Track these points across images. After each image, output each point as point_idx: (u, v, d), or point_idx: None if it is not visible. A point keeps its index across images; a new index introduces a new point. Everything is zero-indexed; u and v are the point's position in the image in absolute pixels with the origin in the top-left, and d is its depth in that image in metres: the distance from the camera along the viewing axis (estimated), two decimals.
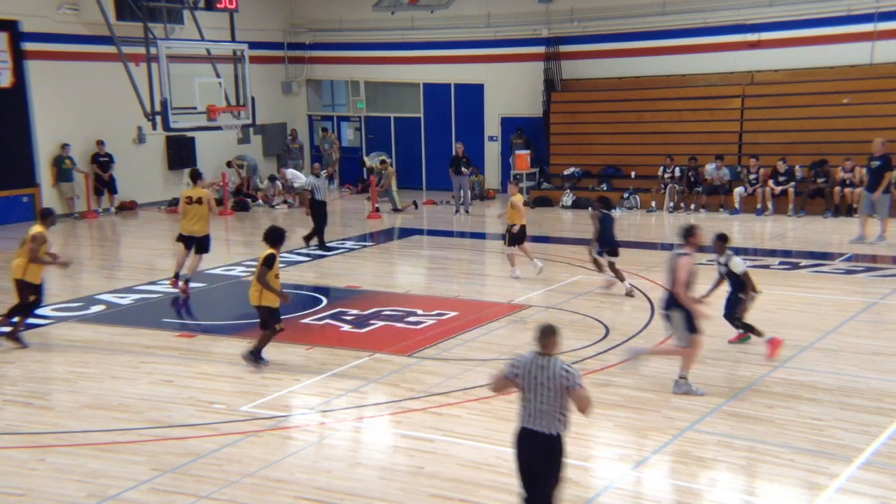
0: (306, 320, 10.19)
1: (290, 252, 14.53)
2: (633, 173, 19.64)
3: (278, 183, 21.41)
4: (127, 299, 11.41)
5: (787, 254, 13.51)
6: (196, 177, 11.87)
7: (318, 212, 14.60)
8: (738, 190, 17.95)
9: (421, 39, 22.57)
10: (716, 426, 6.72)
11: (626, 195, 19.02)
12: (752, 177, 17.90)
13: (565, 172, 20.46)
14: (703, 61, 19.52)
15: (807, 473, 5.85)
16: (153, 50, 15.57)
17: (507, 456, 6.10)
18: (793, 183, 17.39)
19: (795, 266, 12.69)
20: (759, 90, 18.91)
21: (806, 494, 5.60)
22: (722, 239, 8.74)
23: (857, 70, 17.95)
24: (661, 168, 18.78)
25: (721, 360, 8.37)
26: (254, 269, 8.90)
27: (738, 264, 8.68)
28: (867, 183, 14.34)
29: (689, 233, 7.57)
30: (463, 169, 19.45)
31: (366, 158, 23.35)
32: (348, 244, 15.37)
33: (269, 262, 8.09)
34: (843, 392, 7.35)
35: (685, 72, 19.76)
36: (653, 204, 18.79)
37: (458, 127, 22.83)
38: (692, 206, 18.41)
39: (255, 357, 8.35)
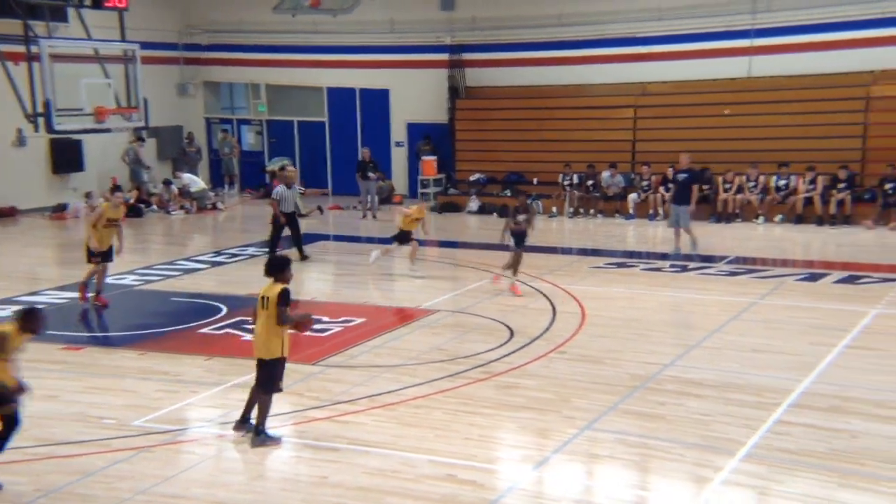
0: (205, 330, 10.02)
1: (189, 259, 14.19)
2: (535, 180, 20.23)
3: (174, 187, 20.82)
4: (6, 311, 10.85)
5: (676, 257, 14.27)
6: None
7: (289, 223, 14.07)
8: (632, 196, 18.79)
9: (324, 43, 22.47)
10: (612, 424, 7.08)
11: (528, 201, 19.57)
12: (644, 183, 18.79)
13: (471, 178, 20.84)
14: (598, 72, 20.31)
15: (694, 467, 6.26)
16: (34, 49, 14.88)
17: (413, 462, 6.26)
18: (695, 187, 18.35)
19: (684, 269, 13.44)
20: (650, 100, 19.85)
21: (693, 487, 5.99)
22: None
23: (736, 83, 19.12)
24: (561, 175, 19.45)
25: (618, 359, 8.80)
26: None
27: None
28: (673, 196, 14.78)
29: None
30: (370, 174, 19.51)
31: (268, 164, 23.03)
32: (250, 250, 15.14)
33: (285, 299, 6.62)
34: (727, 388, 7.87)
35: (582, 82, 20.52)
36: (553, 209, 19.41)
37: (364, 132, 22.85)
38: (591, 212, 19.15)
39: (265, 437, 6.74)
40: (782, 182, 17.79)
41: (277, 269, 6.78)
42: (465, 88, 21.54)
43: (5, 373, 6.13)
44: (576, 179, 19.34)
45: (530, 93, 20.88)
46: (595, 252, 15.08)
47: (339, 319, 10.35)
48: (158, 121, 20.69)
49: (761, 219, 17.69)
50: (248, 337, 9.68)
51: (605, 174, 19.12)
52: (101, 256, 11.28)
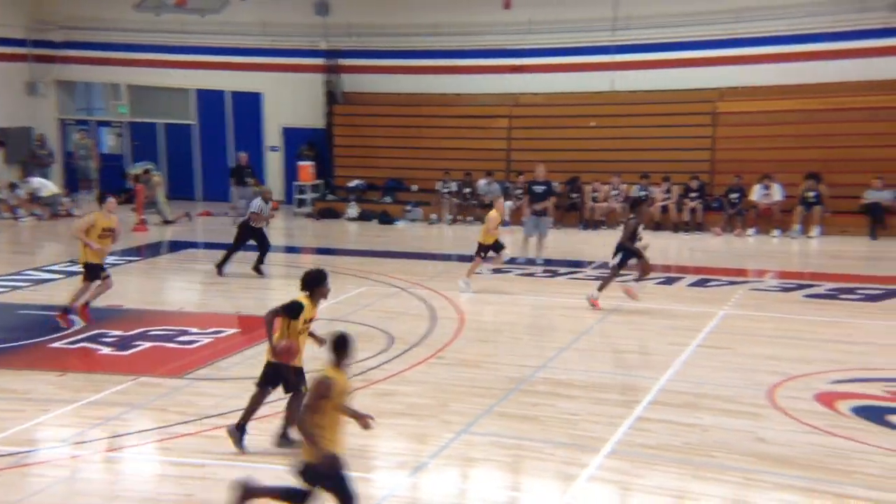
0: (57, 344, 9.52)
1: (39, 269, 13.39)
2: (414, 186, 20.47)
3: (20, 192, 19.52)
4: None
5: (548, 262, 14.88)
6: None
7: (258, 235, 13.54)
8: (507, 204, 19.39)
9: (191, 44, 21.79)
10: (487, 427, 7.33)
11: (408, 208, 19.78)
12: (518, 192, 19.44)
13: (350, 185, 20.79)
14: (474, 82, 20.84)
15: (563, 465, 6.61)
16: None
17: (284, 477, 6.23)
18: (552, 198, 19.17)
19: (555, 274, 14.05)
20: (523, 111, 20.57)
21: (561, 485, 6.32)
22: None
23: (600, 96, 20.16)
24: (440, 182, 19.78)
25: (495, 363, 9.10)
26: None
27: None
28: (531, 206, 15.24)
29: None
30: (247, 179, 19.07)
31: (130, 169, 21.98)
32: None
33: (289, 310, 6.33)
34: (594, 388, 8.33)
35: (459, 91, 20.98)
36: (433, 216, 19.72)
37: (236, 136, 22.30)
38: (469, 219, 19.59)
39: (289, 442, 6.51)
40: (643, 193, 18.92)
41: (311, 283, 6.39)
42: (342, 94, 21.48)
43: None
44: (454, 187, 19.73)
45: (408, 100, 21.11)
46: (473, 258, 15.42)
47: (209, 330, 10.09)
48: (5, 122, 19.35)
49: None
50: (106, 351, 9.27)
51: (482, 182, 19.63)
52: (99, 269, 10.41)
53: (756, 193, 18.05)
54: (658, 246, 17.24)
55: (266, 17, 21.40)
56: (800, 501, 5.82)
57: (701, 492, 6.12)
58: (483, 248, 12.58)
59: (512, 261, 13.97)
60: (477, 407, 7.75)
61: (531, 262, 14.60)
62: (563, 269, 14.30)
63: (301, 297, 6.39)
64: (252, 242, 13.56)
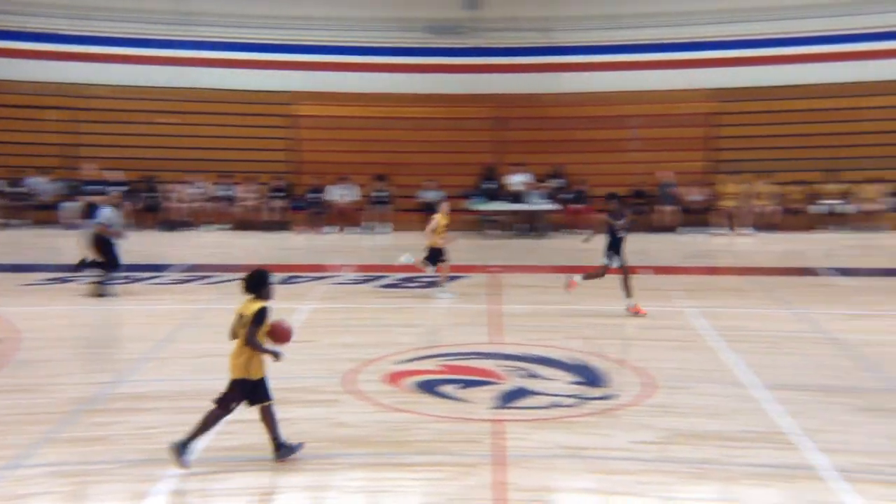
0: None
1: None
2: None
3: None
4: None
5: (129, 268, 13.73)
6: None
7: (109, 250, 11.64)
8: (69, 204, 17.50)
9: None
10: (45, 457, 6.40)
11: None
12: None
13: None
14: (25, 68, 18.39)
15: (135, 484, 6.05)
16: None
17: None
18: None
19: (133, 280, 13.01)
20: (89, 104, 18.76)
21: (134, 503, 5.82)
22: None
23: (175, 92, 19.33)
24: None
25: (60, 384, 8.01)
26: None
27: None
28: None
29: None
30: None
31: None
32: None
33: (260, 318, 6.23)
34: (177, 397, 7.84)
35: (8, 77, 18.30)
36: None
37: None
38: (25, 221, 17.25)
39: (287, 449, 6.36)
40: (226, 192, 18.70)
41: (258, 284, 6.30)
42: None
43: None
44: (4, 186, 17.08)
45: None
46: (30, 268, 13.52)
47: None
48: None
49: (215, 227, 18.30)
50: None
51: (34, 180, 17.38)
52: None
53: (334, 193, 19.15)
54: (244, 245, 17.21)
55: None
56: (366, 476, 6.22)
57: (284, 484, 6.16)
58: (435, 253, 12.08)
59: (78, 268, 12.46)
60: (32, 437, 6.72)
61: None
62: (144, 275, 13.31)
63: (257, 302, 6.27)
64: None
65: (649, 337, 9.82)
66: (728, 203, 17.96)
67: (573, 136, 19.77)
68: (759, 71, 19.26)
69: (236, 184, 18.60)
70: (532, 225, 18.55)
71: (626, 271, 10.55)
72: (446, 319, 10.87)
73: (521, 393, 7.82)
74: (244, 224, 18.29)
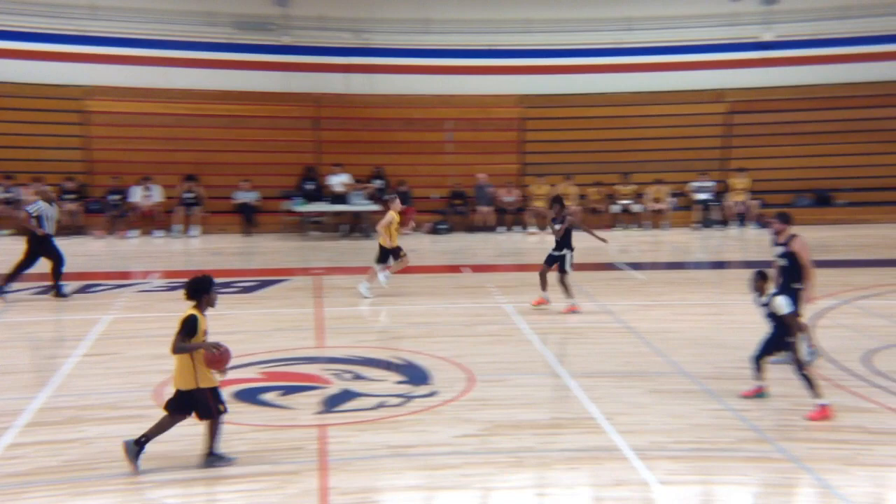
0: None
1: None
2: None
3: None
4: None
5: None
6: None
7: (47, 248, 11.32)
8: None
9: None
10: None
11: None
12: None
13: None
14: None
15: None
16: None
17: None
18: None
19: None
20: None
21: None
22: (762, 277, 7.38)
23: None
24: None
25: None
26: None
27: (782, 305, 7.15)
28: None
29: None
30: None
31: None
32: None
33: (187, 327, 5.89)
34: None
35: None
36: None
37: None
38: None
39: (218, 459, 6.03)
40: (7, 195, 16.83)
41: (198, 291, 6.05)
42: None
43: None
44: None
45: None
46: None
47: None
48: None
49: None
50: None
51: None
52: None
53: (137, 195, 17.81)
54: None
55: None
56: (178, 493, 5.73)
57: None
58: (388, 254, 11.62)
59: None
60: None
61: None
62: None
63: (189, 309, 5.98)
64: None
65: (470, 333, 9.99)
66: (538, 203, 18.85)
67: (392, 138, 19.84)
68: (560, 79, 20.41)
69: (20, 185, 16.75)
70: (355, 226, 18.37)
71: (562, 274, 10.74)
72: (268, 325, 10.39)
73: (346, 396, 7.63)
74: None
